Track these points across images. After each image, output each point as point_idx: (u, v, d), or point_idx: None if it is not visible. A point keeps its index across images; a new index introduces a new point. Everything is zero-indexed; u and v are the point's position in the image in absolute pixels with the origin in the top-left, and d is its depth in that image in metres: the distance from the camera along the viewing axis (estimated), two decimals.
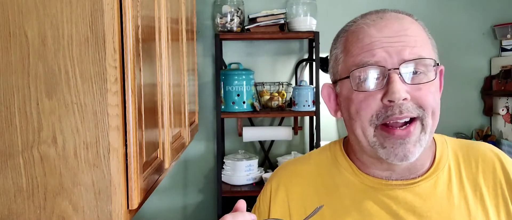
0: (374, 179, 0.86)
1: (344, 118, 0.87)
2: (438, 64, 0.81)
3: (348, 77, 0.81)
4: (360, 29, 0.82)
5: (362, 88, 0.80)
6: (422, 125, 0.79)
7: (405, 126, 0.78)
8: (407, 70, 0.78)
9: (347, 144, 0.92)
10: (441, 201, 0.84)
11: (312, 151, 1.02)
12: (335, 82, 0.88)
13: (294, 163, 0.99)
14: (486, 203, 0.84)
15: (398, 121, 0.78)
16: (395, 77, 0.77)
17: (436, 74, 0.80)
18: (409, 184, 0.85)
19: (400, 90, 0.76)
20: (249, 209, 2.58)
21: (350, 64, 0.81)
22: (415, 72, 0.78)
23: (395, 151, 0.78)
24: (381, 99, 0.78)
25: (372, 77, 0.79)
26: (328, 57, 0.90)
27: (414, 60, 0.78)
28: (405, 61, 0.77)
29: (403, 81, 0.77)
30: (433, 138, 0.90)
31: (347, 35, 0.84)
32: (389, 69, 0.77)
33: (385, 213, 0.84)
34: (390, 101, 0.77)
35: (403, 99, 0.76)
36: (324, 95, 0.91)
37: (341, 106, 0.87)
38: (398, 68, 0.77)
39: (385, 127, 0.79)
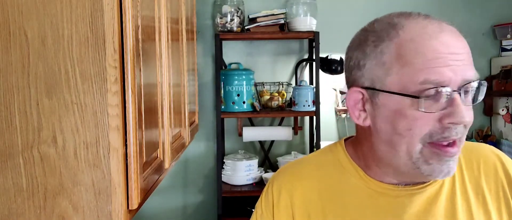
0: (382, 184, 0.85)
1: (381, 130, 0.80)
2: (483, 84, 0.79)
3: (416, 97, 0.74)
4: (420, 40, 0.75)
5: (425, 107, 0.74)
6: (461, 141, 0.77)
7: (453, 143, 0.76)
8: (469, 90, 0.75)
9: (351, 147, 0.90)
10: (446, 206, 0.83)
11: (310, 154, 1.00)
12: (371, 88, 0.79)
13: (294, 166, 0.96)
14: (488, 206, 0.84)
15: (448, 145, 0.76)
16: (459, 99, 0.73)
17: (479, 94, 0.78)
18: (416, 189, 0.84)
19: (465, 113, 0.73)
20: (249, 208, 2.57)
21: (410, 80, 0.74)
22: (475, 92, 0.76)
23: (441, 167, 0.76)
24: (440, 120, 0.74)
25: (436, 98, 0.74)
26: (359, 59, 0.81)
27: (476, 81, 0.75)
28: (469, 81, 0.74)
29: (463, 102, 0.74)
30: None
31: (401, 43, 0.76)
32: (454, 90, 0.73)
33: (390, 217, 0.83)
34: (452, 123, 0.74)
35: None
36: (350, 101, 0.83)
37: (378, 118, 0.80)
38: (461, 90, 0.74)
39: (435, 144, 0.76)
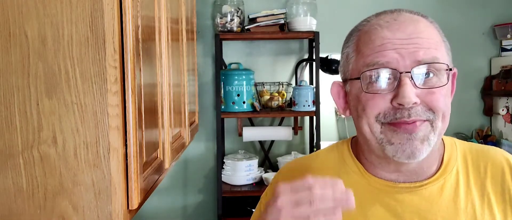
0: (381, 181, 0.86)
1: (353, 116, 0.86)
2: (451, 69, 0.80)
3: (358, 78, 0.80)
4: (373, 29, 0.80)
5: (372, 89, 0.78)
6: (431, 126, 0.78)
7: (413, 123, 0.77)
8: (419, 72, 0.77)
9: (355, 145, 0.92)
10: (448, 205, 0.83)
11: (319, 150, 1.02)
12: (345, 80, 0.87)
13: (301, 162, 0.99)
14: (494, 208, 0.83)
15: (407, 123, 0.77)
16: (406, 80, 0.75)
17: (448, 78, 0.79)
18: (416, 187, 0.84)
19: (410, 94, 0.75)
20: (249, 208, 2.56)
21: (361, 65, 0.80)
22: (427, 75, 0.77)
23: (403, 147, 0.77)
24: (391, 101, 0.77)
25: (382, 79, 0.78)
26: (341, 55, 0.89)
27: (427, 63, 0.76)
28: (419, 63, 0.76)
29: (414, 85, 0.76)
30: (442, 140, 0.89)
31: (359, 35, 0.83)
32: (401, 72, 0.76)
33: (390, 215, 0.84)
34: (399, 104, 0.76)
35: (413, 104, 0.76)
36: (334, 93, 0.90)
37: (350, 105, 0.86)
38: (410, 72, 0.76)
39: (391, 123, 0.78)
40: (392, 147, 0.78)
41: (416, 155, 0.77)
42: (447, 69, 0.78)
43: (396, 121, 0.77)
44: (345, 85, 0.87)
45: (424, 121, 0.77)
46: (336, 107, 0.91)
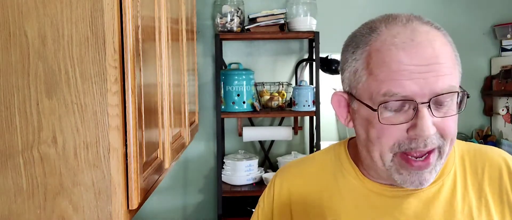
0: (378, 184, 0.85)
1: (359, 134, 0.82)
2: (468, 96, 0.77)
3: (375, 110, 0.75)
4: (386, 50, 0.74)
5: (388, 120, 0.75)
6: (439, 152, 0.77)
7: (424, 156, 0.76)
8: (436, 102, 0.74)
9: (352, 147, 0.90)
10: (445, 207, 0.82)
11: (316, 152, 1.01)
12: (350, 94, 0.82)
13: (298, 164, 0.98)
14: (491, 210, 0.83)
15: (421, 157, 0.76)
16: (424, 112, 0.72)
17: (461, 104, 0.76)
18: (412, 190, 0.83)
19: (430, 127, 0.73)
20: (249, 208, 2.57)
21: (374, 90, 0.75)
22: (442, 102, 0.75)
23: (411, 179, 0.77)
24: (407, 131, 0.74)
25: (399, 109, 0.74)
26: (342, 63, 0.84)
27: (445, 94, 0.73)
28: (437, 94, 0.73)
29: (431, 114, 0.73)
30: None
31: (370, 51, 0.77)
32: (419, 103, 0.73)
33: (387, 217, 0.83)
34: (416, 135, 0.74)
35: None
36: (335, 103, 0.86)
37: (356, 122, 0.82)
38: (428, 102, 0.73)
39: (404, 155, 0.76)
40: (401, 176, 0.77)
41: (424, 185, 0.77)
42: (460, 97, 0.76)
43: (411, 151, 0.75)
44: (351, 100, 0.82)
45: (435, 148, 0.76)
46: (337, 116, 0.87)
